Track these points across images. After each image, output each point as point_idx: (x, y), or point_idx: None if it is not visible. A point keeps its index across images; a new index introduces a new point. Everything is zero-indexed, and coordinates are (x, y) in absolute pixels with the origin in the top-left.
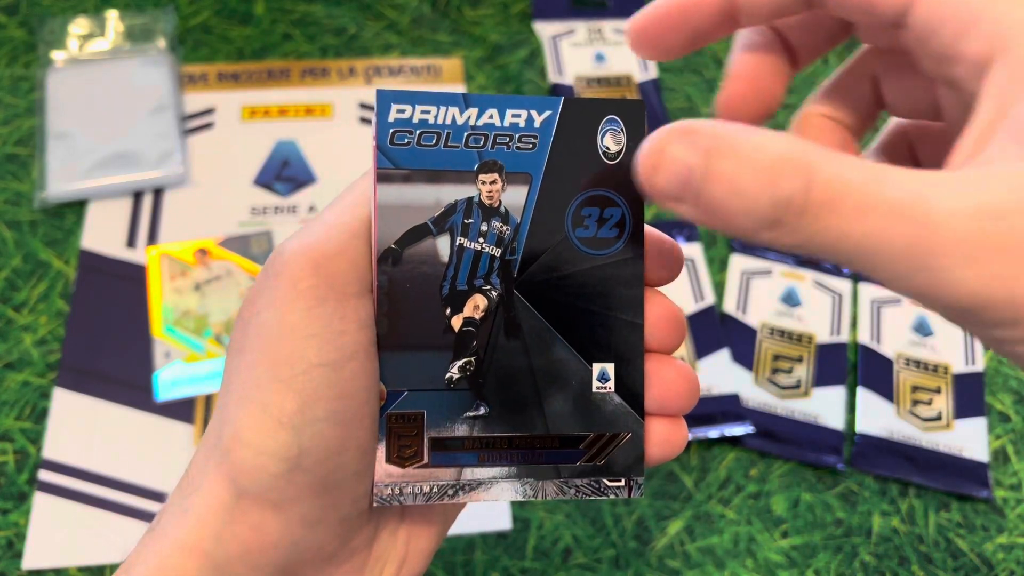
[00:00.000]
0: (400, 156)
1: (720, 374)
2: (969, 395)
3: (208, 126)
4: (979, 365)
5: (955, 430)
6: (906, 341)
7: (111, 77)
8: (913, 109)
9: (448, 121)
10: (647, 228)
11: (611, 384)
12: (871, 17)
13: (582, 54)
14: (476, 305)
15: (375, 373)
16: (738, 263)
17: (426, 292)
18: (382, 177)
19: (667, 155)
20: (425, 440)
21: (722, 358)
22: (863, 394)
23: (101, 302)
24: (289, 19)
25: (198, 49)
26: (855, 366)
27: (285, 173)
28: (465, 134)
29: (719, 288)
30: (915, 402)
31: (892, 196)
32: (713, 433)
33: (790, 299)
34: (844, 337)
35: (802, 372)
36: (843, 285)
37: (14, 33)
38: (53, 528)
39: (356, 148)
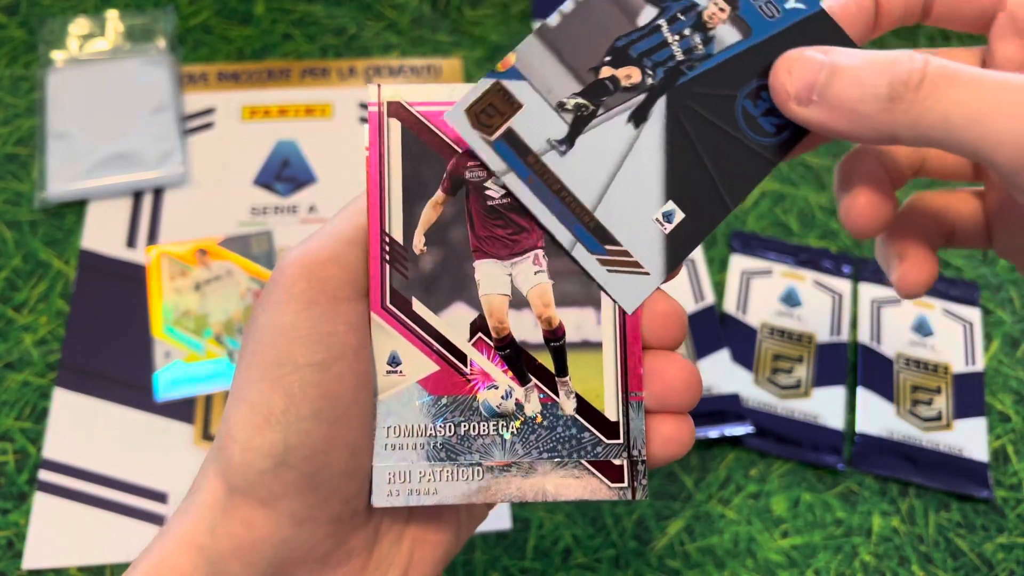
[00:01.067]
0: None
1: (720, 374)
2: (969, 395)
3: (208, 126)
4: (979, 365)
5: (955, 430)
6: (906, 341)
7: (111, 77)
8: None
9: None
10: None
11: (669, 228)
12: None
13: None
14: (629, 75)
15: (365, 375)
16: (738, 263)
17: (604, 30)
18: None
19: (800, 60)
20: (506, 125)
21: (722, 358)
22: (863, 394)
23: (101, 302)
24: (289, 19)
25: (198, 49)
26: (855, 366)
27: (285, 173)
28: None
29: (719, 288)
30: (915, 402)
31: (1003, 76)
32: (713, 433)
33: (790, 299)
34: (844, 337)
35: (802, 372)
36: (843, 285)
37: (14, 33)
38: (53, 528)
39: (356, 148)
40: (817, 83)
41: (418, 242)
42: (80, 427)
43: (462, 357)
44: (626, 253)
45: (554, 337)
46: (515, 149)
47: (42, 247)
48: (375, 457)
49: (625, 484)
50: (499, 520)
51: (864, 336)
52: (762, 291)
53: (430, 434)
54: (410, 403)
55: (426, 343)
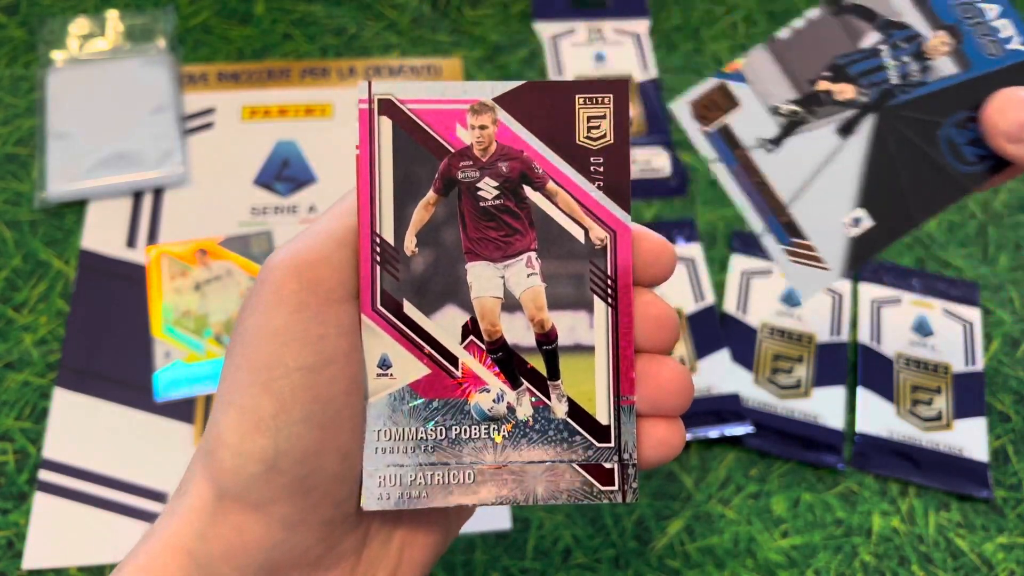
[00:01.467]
0: None
1: (720, 374)
2: (969, 395)
3: (208, 126)
4: (979, 365)
5: (955, 430)
6: (906, 341)
7: (111, 77)
8: None
9: None
10: (639, 228)
11: (855, 232)
12: None
13: (582, 54)
14: (843, 91)
15: (356, 378)
16: (738, 263)
17: (827, 48)
18: None
19: (1013, 100)
20: (722, 119)
21: (722, 358)
22: (863, 394)
23: (101, 302)
24: (289, 19)
25: (198, 49)
26: (855, 366)
27: (285, 173)
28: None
29: (719, 288)
30: (915, 402)
31: None
32: (713, 433)
33: (790, 299)
34: (844, 337)
35: (802, 372)
36: (843, 285)
37: (14, 33)
38: (53, 528)
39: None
40: None
41: (409, 243)
42: (80, 427)
43: (453, 360)
44: (811, 248)
45: (546, 340)
46: (726, 141)
47: (42, 247)
48: (365, 460)
49: (616, 487)
50: (499, 520)
51: (864, 336)
52: (762, 291)
53: (421, 437)
54: (401, 406)
55: (417, 346)
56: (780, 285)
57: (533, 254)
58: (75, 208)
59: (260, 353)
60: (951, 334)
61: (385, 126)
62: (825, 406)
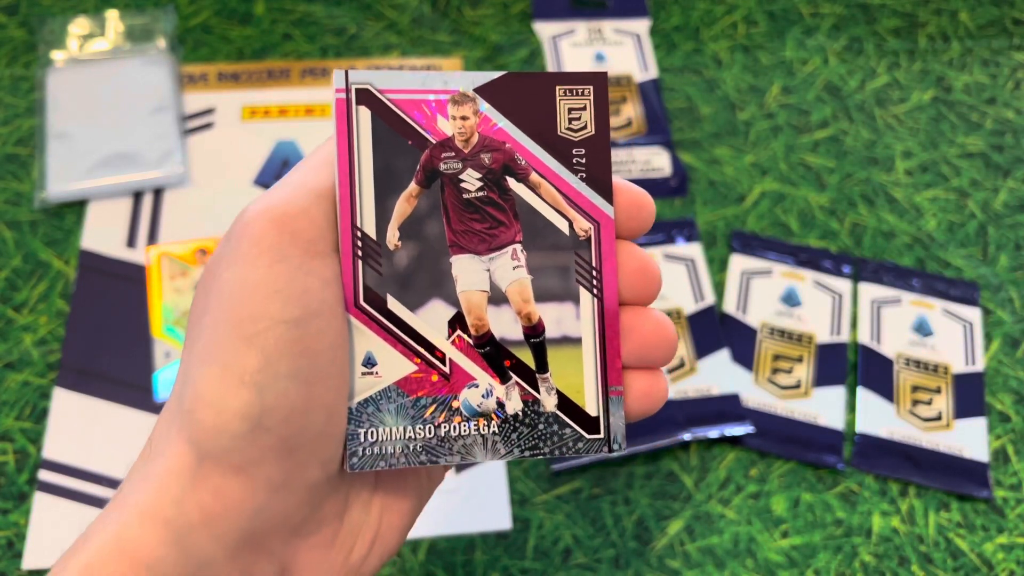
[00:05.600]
0: None
1: (720, 374)
2: (969, 395)
3: (208, 126)
4: (979, 365)
5: (955, 430)
6: (906, 341)
7: (111, 77)
8: None
9: None
10: (619, 181)
11: None
12: None
13: (582, 54)
14: None
15: (341, 331)
16: (738, 263)
17: None
18: None
19: None
20: None
21: (722, 358)
22: (863, 394)
23: (101, 302)
24: (289, 19)
25: (198, 49)
26: (855, 366)
27: (285, 173)
28: None
29: (719, 288)
30: (915, 402)
31: None
32: (713, 433)
33: (790, 299)
34: (844, 337)
35: (802, 372)
36: (843, 285)
37: (14, 33)
38: (53, 528)
39: None
40: None
41: (392, 237)
42: (80, 427)
43: (440, 356)
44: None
45: (534, 333)
46: None
47: (42, 247)
48: (348, 460)
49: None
50: (499, 520)
51: (864, 336)
52: (762, 291)
53: (409, 437)
54: (388, 406)
55: (403, 342)
56: (780, 285)
57: (518, 246)
58: (75, 208)
59: (241, 306)
60: (951, 334)
61: (364, 116)
62: (825, 406)
